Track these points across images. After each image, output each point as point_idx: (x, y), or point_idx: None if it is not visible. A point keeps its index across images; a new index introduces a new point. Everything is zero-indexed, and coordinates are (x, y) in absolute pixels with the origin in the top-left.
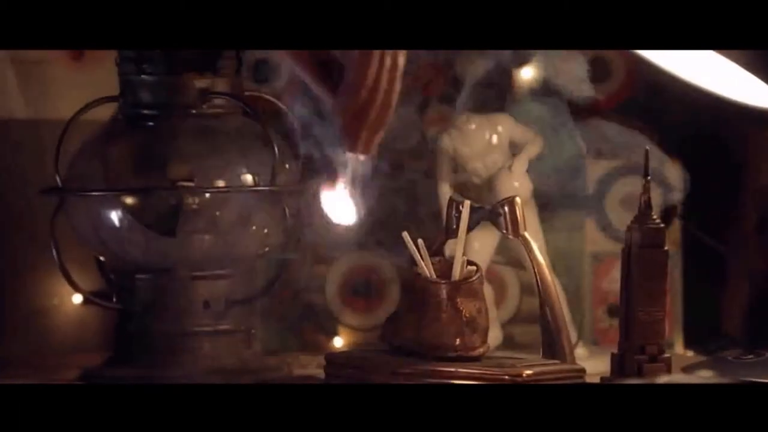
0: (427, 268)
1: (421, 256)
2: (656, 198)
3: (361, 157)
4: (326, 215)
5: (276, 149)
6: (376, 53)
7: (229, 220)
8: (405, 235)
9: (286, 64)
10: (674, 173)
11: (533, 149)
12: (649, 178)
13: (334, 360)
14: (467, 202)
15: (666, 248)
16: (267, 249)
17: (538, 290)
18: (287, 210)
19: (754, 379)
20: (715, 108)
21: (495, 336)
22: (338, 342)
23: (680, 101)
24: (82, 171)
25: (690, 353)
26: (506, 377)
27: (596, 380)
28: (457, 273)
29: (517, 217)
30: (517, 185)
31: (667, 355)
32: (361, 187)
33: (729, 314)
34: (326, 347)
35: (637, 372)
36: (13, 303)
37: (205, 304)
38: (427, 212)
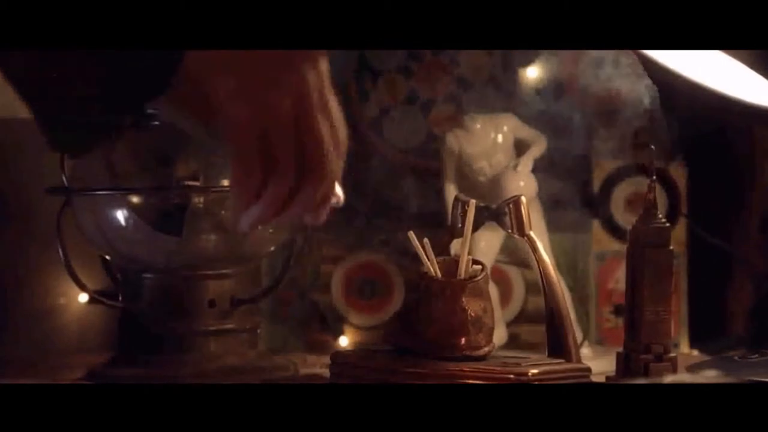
0: (432, 267)
1: (426, 255)
2: (661, 197)
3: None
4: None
5: None
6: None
7: None
8: (410, 234)
9: None
10: (679, 172)
11: (538, 149)
12: (654, 177)
13: (339, 359)
14: (473, 202)
15: (671, 248)
16: (272, 248)
17: (544, 290)
18: None
19: (759, 379)
20: (720, 107)
21: (500, 335)
22: (344, 341)
23: (685, 100)
24: (88, 170)
25: (695, 353)
26: (512, 376)
27: (602, 380)
28: (462, 272)
29: (522, 217)
30: (523, 184)
31: (672, 354)
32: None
33: (734, 314)
34: (332, 347)
35: (642, 371)
36: (19, 302)
37: (211, 303)
38: (432, 211)
